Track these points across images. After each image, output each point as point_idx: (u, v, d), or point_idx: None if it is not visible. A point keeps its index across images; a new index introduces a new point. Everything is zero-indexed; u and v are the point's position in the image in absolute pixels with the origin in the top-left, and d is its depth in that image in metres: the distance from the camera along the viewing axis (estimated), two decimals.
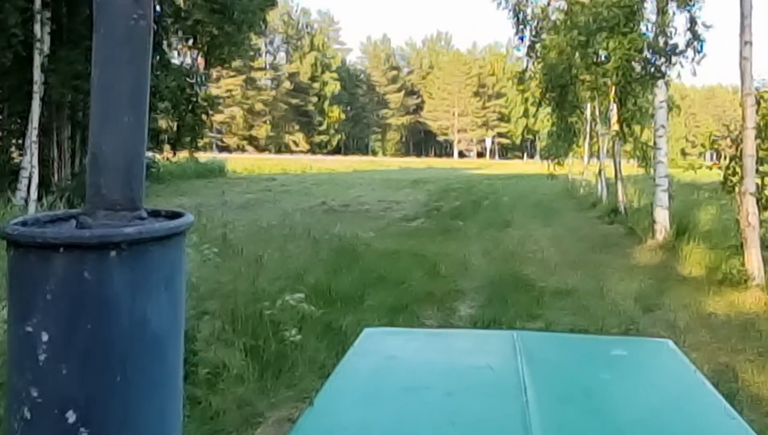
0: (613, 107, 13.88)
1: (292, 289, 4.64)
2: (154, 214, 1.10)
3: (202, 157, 44.01)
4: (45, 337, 0.93)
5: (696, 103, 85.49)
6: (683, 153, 60.23)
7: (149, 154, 15.35)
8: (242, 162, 49.01)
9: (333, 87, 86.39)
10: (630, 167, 23.18)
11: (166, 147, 15.26)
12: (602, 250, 10.24)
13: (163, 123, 15.00)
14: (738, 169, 7.20)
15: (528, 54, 15.71)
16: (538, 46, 15.46)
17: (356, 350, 1.98)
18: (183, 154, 26.46)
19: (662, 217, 10.69)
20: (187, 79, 14.60)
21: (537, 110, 15.99)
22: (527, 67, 15.86)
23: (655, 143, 10.69)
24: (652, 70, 8.90)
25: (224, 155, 56.25)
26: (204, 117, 15.14)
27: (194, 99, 14.53)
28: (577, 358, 2.04)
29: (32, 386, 0.93)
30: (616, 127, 11.37)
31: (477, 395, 1.66)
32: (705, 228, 11.61)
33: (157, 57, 15.03)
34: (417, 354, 2.01)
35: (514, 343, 2.00)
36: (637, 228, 11.75)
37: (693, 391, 1.75)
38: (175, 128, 14.69)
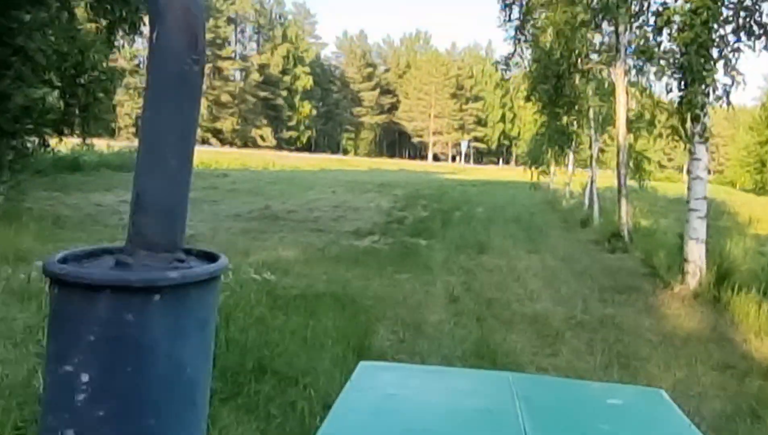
0: (622, 101, 10.91)
1: None
2: (186, 252, 1.09)
3: None
4: (85, 378, 0.93)
5: None
6: (660, 165, 60.65)
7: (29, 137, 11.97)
8: (200, 155, 45.33)
9: (305, 81, 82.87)
10: (607, 177, 20.41)
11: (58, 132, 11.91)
12: (616, 300, 7.23)
13: (51, 100, 11.64)
14: None
15: (516, 36, 12.69)
16: (528, 25, 12.47)
17: (354, 386, 1.88)
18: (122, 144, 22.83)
19: (697, 255, 7.71)
20: (79, 46, 11.22)
21: (514, 114, 12.88)
22: (514, 51, 12.80)
23: (691, 152, 7.70)
24: (751, 23, 5.70)
25: None
26: (101, 94, 11.78)
27: (88, 70, 11.20)
28: (574, 405, 1.94)
29: (68, 427, 0.92)
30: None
31: None
32: (743, 267, 8.74)
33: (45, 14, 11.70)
34: (416, 393, 1.93)
35: (510, 386, 1.95)
36: (657, 265, 8.76)
37: None
38: (61, 106, 11.40)
